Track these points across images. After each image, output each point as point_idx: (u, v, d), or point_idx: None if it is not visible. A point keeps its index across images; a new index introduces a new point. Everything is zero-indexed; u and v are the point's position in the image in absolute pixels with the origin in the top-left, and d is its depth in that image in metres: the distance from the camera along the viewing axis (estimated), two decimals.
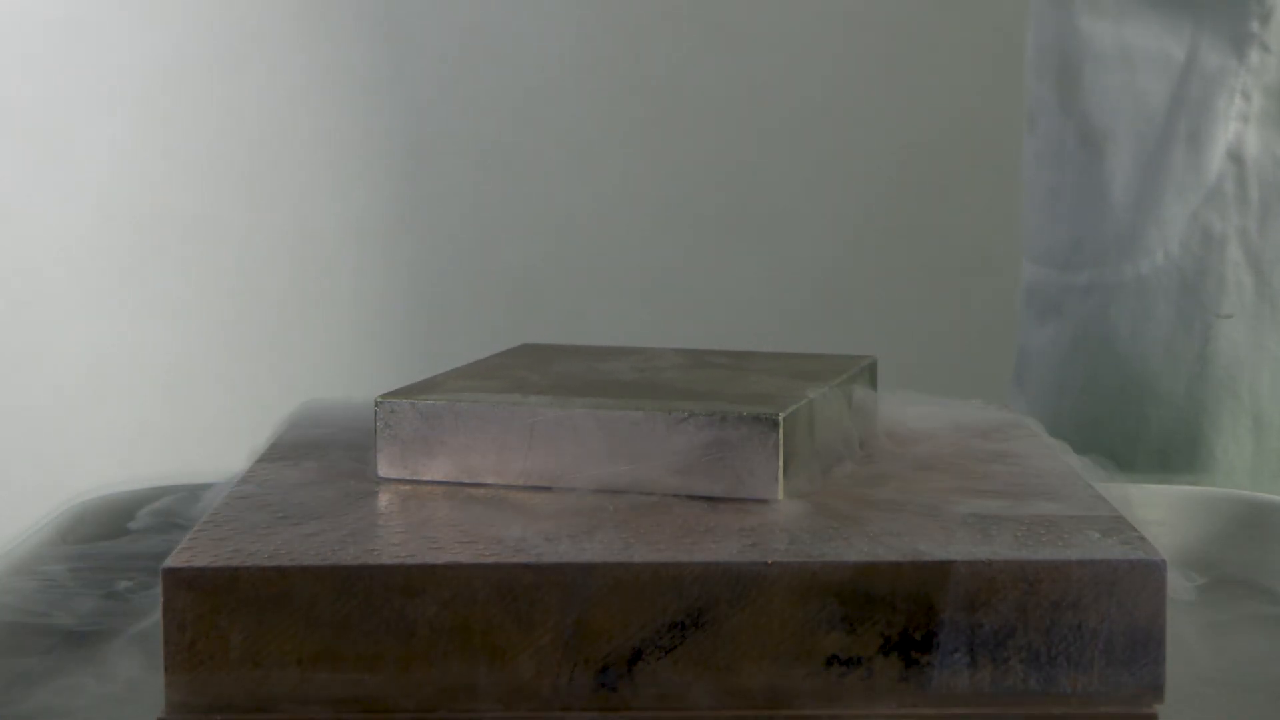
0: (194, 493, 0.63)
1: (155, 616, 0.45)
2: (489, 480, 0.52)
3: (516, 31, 1.30)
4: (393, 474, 0.53)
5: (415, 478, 0.52)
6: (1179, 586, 0.49)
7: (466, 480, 0.52)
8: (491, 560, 0.45)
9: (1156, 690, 0.45)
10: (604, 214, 1.35)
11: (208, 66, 1.32)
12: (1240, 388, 0.79)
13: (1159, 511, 0.62)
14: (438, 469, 0.52)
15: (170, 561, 0.45)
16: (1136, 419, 0.81)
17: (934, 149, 1.31)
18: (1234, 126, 0.78)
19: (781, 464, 0.49)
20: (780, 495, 0.49)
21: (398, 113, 1.34)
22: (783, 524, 0.47)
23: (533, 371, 0.58)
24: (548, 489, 0.51)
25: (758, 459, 0.49)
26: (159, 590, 0.44)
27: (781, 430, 0.49)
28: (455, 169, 1.34)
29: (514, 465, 0.51)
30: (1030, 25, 0.88)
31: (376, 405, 0.53)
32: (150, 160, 1.32)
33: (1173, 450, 0.80)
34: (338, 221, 1.35)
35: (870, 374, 0.60)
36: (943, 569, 0.44)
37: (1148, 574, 0.45)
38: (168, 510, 0.63)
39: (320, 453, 0.57)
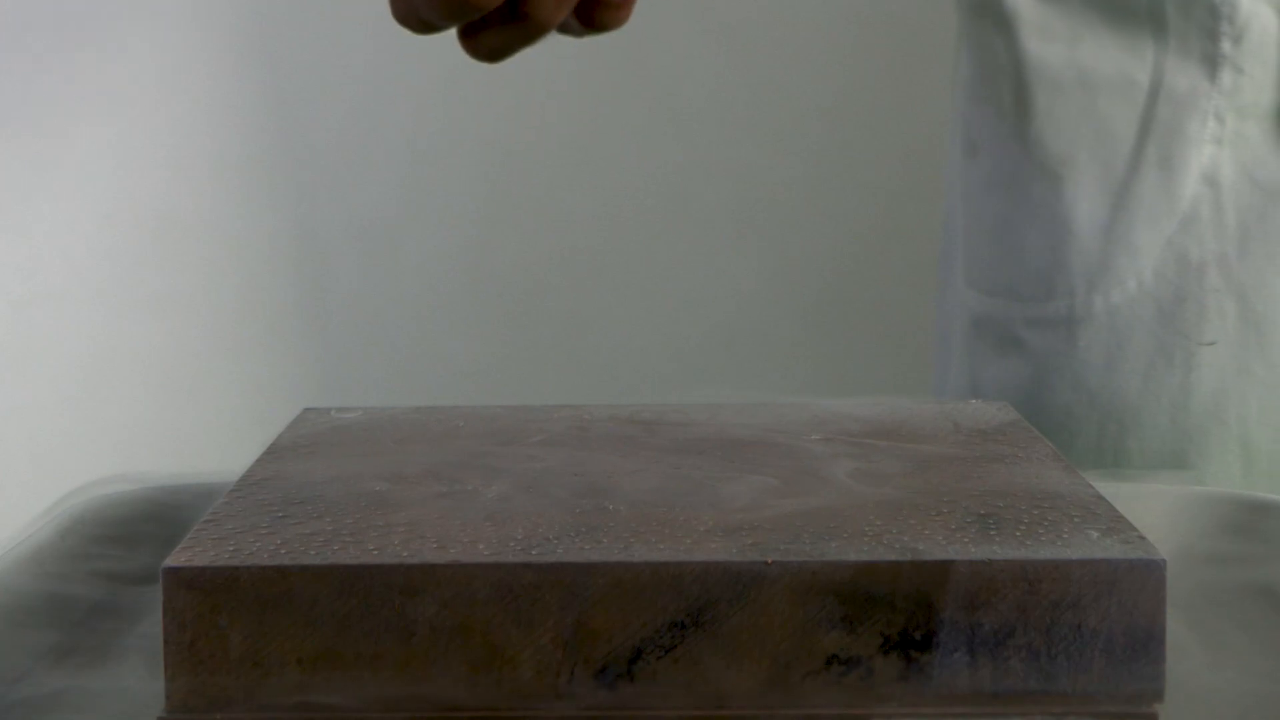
0: (194, 493, 0.63)
1: (155, 616, 0.45)
2: None
3: None
4: None
5: None
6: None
7: None
8: (491, 560, 0.45)
9: (1156, 690, 0.45)
10: (604, 214, 1.35)
11: (208, 66, 1.32)
12: (1227, 415, 0.78)
13: (1159, 511, 0.62)
14: None
15: (170, 561, 0.45)
16: (1115, 452, 0.80)
17: (935, 151, 1.31)
18: (1208, 150, 0.77)
19: None
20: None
21: (398, 113, 1.34)
22: (782, 523, 0.47)
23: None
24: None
25: None
26: (159, 590, 0.44)
27: None
28: (455, 169, 1.34)
29: None
30: (963, 49, 0.86)
31: None
32: (151, 160, 1.32)
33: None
34: (338, 221, 1.35)
35: None
36: (943, 569, 0.44)
37: (1148, 574, 0.45)
38: (168, 510, 0.63)
39: (320, 453, 0.57)
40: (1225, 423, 0.78)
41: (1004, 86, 0.81)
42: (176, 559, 0.45)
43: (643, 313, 1.36)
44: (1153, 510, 0.61)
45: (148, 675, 0.49)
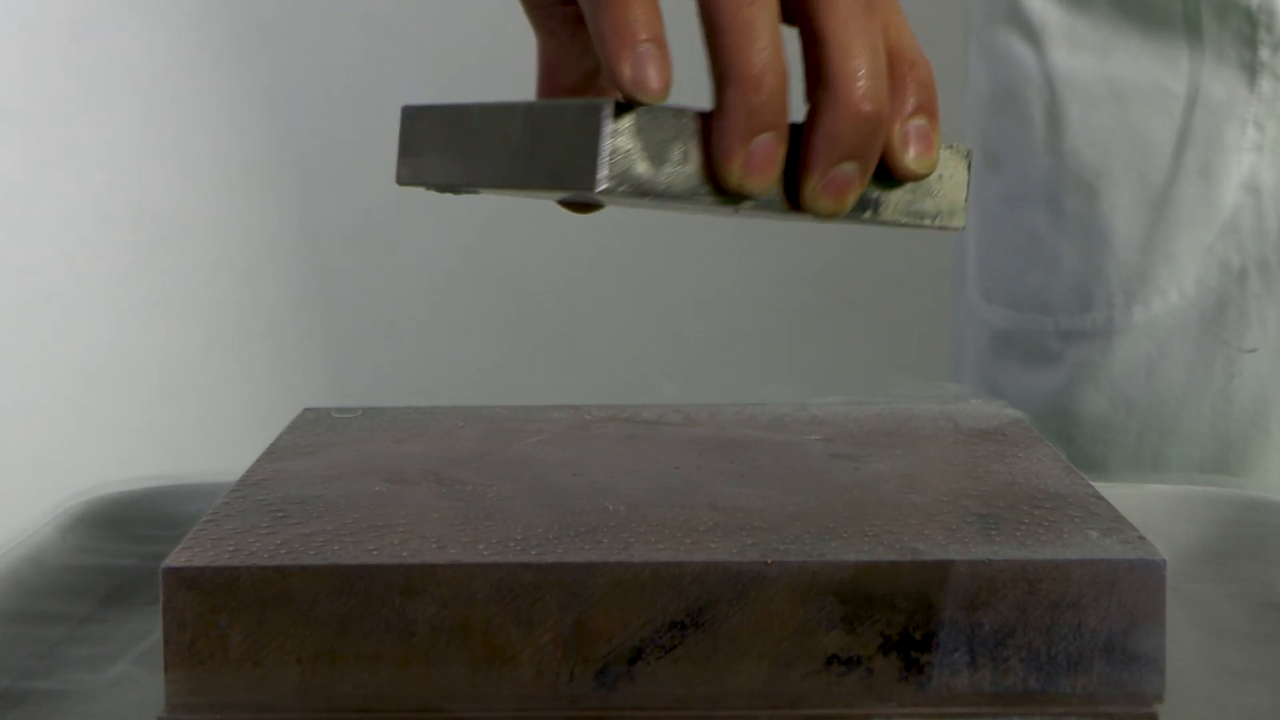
0: (194, 493, 0.63)
1: (155, 616, 0.45)
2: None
3: (518, 32, 1.30)
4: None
5: None
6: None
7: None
8: (491, 560, 0.45)
9: (1156, 690, 0.45)
10: (604, 214, 1.35)
11: (207, 66, 1.32)
12: (1269, 422, 0.77)
13: (1159, 511, 0.62)
14: None
15: (170, 561, 0.45)
16: (1154, 460, 0.79)
17: None
18: (1248, 158, 0.76)
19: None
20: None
21: (399, 113, 1.34)
22: (782, 523, 0.47)
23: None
24: None
25: None
26: (159, 590, 0.44)
27: None
28: None
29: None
30: (979, 62, 0.85)
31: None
32: (150, 160, 1.32)
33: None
34: (338, 221, 1.35)
35: None
36: (943, 569, 0.44)
37: (1148, 574, 0.45)
38: (168, 510, 0.63)
39: (320, 453, 0.57)
40: (1266, 429, 0.77)
41: (1031, 99, 0.80)
42: (176, 559, 0.45)
43: (643, 313, 1.36)
44: (1153, 510, 0.61)
45: (148, 675, 0.49)
